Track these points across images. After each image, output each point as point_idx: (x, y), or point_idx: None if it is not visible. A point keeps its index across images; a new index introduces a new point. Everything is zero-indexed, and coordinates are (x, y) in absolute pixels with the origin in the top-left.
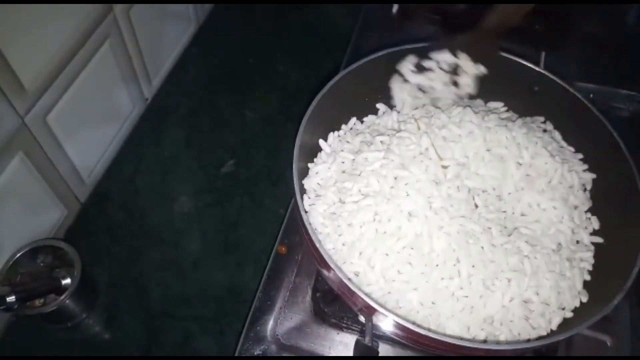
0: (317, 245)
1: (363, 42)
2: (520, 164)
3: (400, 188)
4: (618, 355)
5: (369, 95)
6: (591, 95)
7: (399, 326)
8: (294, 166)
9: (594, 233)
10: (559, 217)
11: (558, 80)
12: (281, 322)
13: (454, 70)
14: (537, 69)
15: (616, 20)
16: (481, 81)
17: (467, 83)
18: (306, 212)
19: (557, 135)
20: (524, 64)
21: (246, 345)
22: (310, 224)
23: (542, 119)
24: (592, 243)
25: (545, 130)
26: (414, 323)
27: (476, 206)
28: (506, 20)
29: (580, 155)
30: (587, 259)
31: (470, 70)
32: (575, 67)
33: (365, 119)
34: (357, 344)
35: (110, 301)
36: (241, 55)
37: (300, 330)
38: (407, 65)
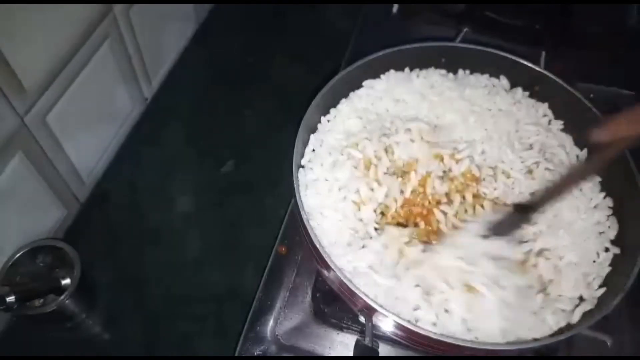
0: (317, 245)
1: (363, 42)
2: None
3: None
4: (618, 355)
5: None
6: (591, 95)
7: (399, 326)
8: (294, 166)
9: None
10: None
11: (558, 80)
12: (281, 322)
13: None
14: (537, 68)
15: (616, 20)
16: None
17: None
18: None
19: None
20: (524, 64)
21: (246, 346)
22: (310, 224)
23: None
24: None
25: None
26: (413, 323)
27: None
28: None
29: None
30: None
31: None
32: (575, 67)
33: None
34: (357, 344)
35: (110, 301)
36: (241, 55)
37: (300, 331)
38: None
